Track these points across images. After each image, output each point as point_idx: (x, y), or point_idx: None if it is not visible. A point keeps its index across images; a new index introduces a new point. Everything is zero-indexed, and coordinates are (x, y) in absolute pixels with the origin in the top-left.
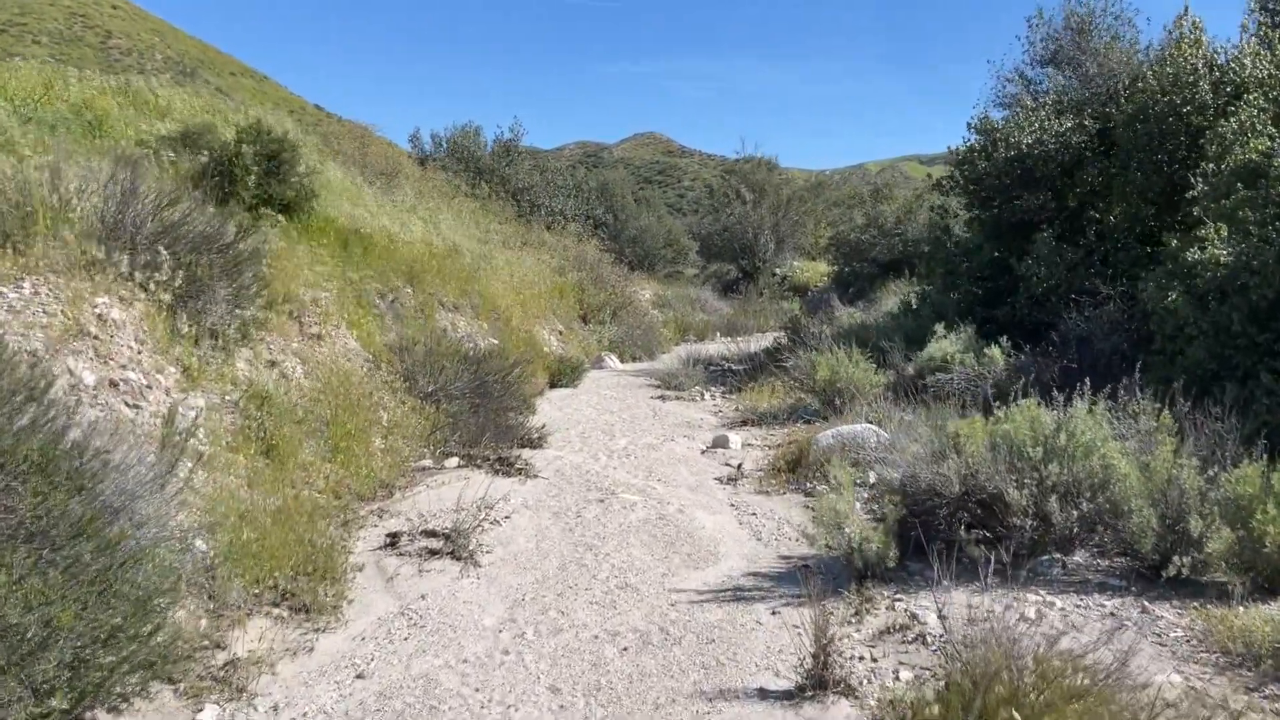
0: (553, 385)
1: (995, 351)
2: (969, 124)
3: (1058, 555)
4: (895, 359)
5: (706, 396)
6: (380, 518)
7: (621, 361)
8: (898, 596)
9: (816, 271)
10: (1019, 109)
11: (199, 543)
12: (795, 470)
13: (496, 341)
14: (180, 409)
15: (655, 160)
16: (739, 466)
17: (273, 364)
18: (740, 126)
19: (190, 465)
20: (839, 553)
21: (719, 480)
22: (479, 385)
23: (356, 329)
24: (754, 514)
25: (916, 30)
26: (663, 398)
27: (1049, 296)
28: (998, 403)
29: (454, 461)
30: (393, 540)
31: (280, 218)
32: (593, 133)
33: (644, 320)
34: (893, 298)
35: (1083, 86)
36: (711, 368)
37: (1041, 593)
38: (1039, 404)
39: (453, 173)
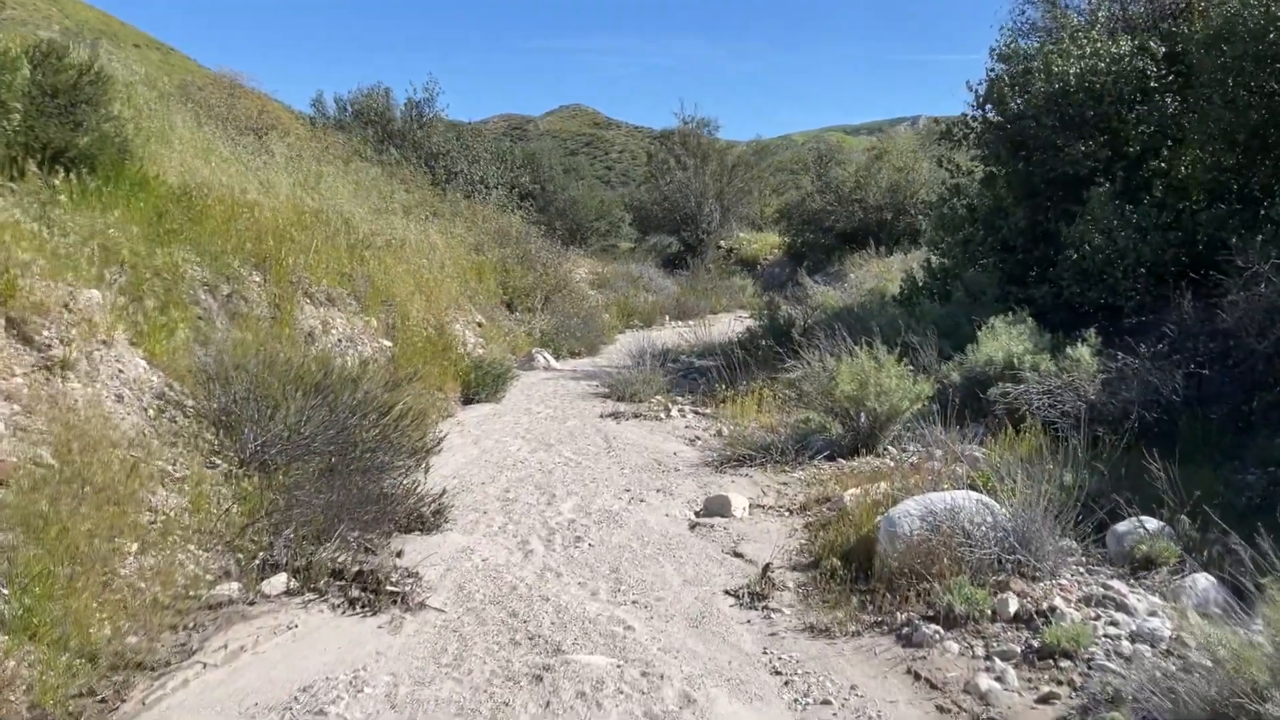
0: (468, 400)
1: (1083, 351)
2: (992, 50)
3: None
4: (926, 359)
5: (673, 410)
6: None
7: (557, 359)
8: None
9: (766, 243)
10: (1060, 30)
11: None
12: (863, 578)
13: (390, 344)
14: None
15: (582, 132)
16: (765, 570)
17: None
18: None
19: None
20: None
21: (734, 597)
22: (340, 432)
23: (150, 344)
24: (827, 702)
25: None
26: (615, 415)
27: (1107, 271)
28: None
29: (280, 582)
30: None
31: (68, 176)
32: (517, 105)
33: (582, 306)
34: (857, 270)
35: (1125, 4)
36: (672, 365)
37: None
38: None
39: (356, 136)
